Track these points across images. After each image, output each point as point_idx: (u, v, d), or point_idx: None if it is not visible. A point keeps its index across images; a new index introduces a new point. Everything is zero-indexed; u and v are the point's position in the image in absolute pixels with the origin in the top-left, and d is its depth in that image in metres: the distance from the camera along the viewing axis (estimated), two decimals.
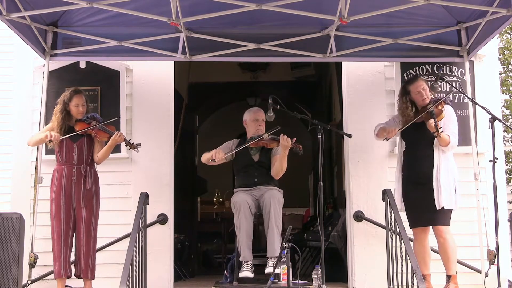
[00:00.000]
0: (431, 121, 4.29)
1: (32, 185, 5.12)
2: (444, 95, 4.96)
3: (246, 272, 4.63)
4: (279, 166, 4.84)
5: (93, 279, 4.50)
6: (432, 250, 4.59)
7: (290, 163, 4.90)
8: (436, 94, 4.76)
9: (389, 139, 4.61)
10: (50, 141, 4.40)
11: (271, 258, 4.63)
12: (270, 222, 4.68)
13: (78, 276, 4.49)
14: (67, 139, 4.49)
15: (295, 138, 4.71)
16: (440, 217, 4.35)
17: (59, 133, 4.46)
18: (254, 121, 5.02)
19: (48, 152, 5.06)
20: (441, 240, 4.37)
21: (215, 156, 4.83)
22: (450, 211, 4.38)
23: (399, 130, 4.53)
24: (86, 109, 4.62)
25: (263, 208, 4.78)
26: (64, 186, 4.45)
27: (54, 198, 4.46)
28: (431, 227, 4.46)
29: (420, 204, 4.41)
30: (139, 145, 4.63)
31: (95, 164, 4.64)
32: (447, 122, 4.45)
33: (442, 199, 4.31)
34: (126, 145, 4.62)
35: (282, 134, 4.73)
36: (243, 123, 5.13)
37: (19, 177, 5.46)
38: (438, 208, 4.32)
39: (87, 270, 4.43)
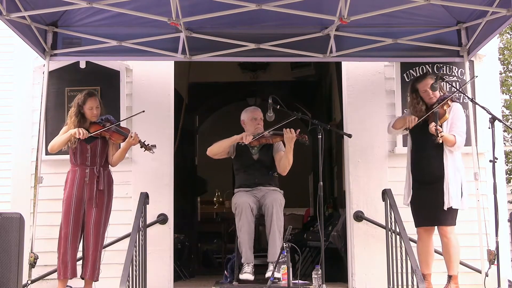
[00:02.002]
0: (432, 125, 4.28)
1: (32, 185, 5.12)
2: (456, 95, 4.92)
3: (247, 275, 4.63)
4: (286, 161, 4.82)
5: (97, 280, 4.50)
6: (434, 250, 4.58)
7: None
8: (446, 92, 4.72)
9: (409, 128, 4.53)
10: (79, 139, 4.42)
11: (272, 263, 4.61)
12: (272, 227, 4.66)
13: (81, 277, 4.49)
14: (81, 141, 4.50)
15: (299, 129, 4.71)
16: (446, 217, 4.34)
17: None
18: (252, 120, 5.02)
19: (49, 152, 5.06)
20: (445, 240, 4.37)
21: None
22: (456, 211, 4.37)
23: (419, 120, 4.46)
24: (100, 111, 4.63)
25: (265, 212, 4.77)
26: (76, 187, 4.47)
27: (65, 199, 4.48)
28: (435, 227, 4.46)
29: (426, 204, 4.40)
30: (154, 146, 4.64)
31: (109, 165, 4.66)
32: (455, 121, 4.44)
33: (451, 199, 4.31)
34: (141, 147, 4.63)
35: (285, 128, 4.72)
36: (241, 123, 5.13)
37: (19, 177, 5.46)
38: (445, 208, 4.30)
39: (94, 271, 4.43)
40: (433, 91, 4.45)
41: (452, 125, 4.42)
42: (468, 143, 5.04)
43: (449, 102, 4.43)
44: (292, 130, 4.66)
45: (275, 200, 4.74)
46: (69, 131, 4.51)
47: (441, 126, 4.32)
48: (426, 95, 4.48)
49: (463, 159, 4.70)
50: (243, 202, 4.76)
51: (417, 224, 4.50)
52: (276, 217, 4.67)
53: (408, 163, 4.61)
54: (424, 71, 5.38)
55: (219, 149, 4.96)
